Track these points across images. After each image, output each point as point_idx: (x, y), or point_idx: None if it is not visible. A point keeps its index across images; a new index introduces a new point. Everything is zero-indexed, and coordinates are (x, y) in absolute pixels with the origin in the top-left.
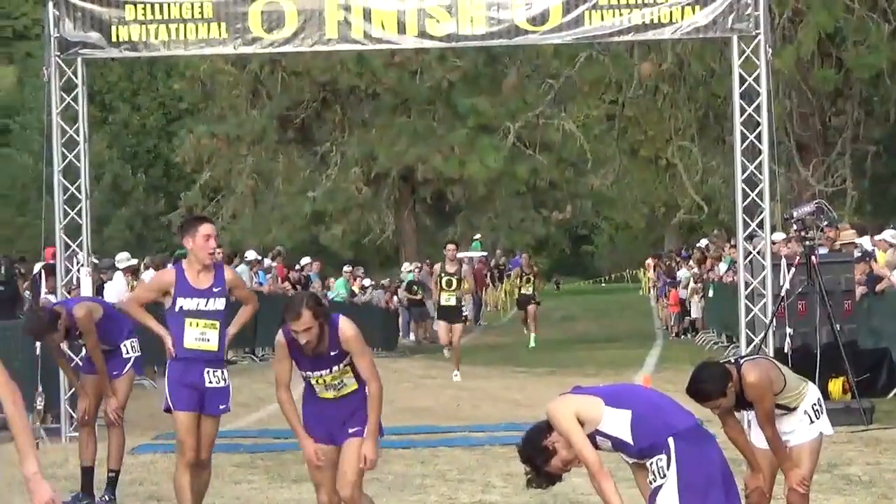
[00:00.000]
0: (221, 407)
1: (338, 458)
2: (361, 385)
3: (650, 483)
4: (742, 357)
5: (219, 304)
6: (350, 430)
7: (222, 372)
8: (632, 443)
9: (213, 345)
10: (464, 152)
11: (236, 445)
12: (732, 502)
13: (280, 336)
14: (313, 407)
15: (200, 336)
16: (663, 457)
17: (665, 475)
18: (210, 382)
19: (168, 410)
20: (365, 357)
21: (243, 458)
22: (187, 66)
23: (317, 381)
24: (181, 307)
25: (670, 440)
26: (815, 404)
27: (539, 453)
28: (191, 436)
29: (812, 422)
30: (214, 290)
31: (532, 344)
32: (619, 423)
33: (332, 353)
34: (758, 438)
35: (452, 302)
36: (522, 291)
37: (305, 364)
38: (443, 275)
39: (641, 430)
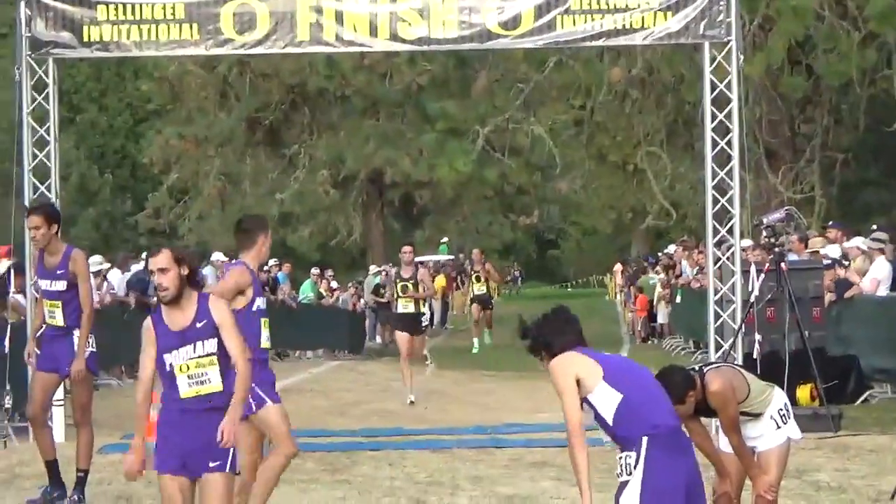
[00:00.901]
0: None
1: (191, 494)
2: (226, 395)
3: (617, 475)
4: (707, 365)
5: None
6: (211, 464)
7: None
8: (611, 424)
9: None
10: (433, 156)
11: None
12: None
13: (147, 320)
14: (171, 425)
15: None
16: (633, 454)
17: (631, 473)
18: None
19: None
20: (235, 332)
21: None
22: (156, 67)
23: (179, 370)
24: (258, 307)
25: (644, 439)
26: (781, 409)
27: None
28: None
29: (779, 427)
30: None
31: (487, 339)
32: (607, 401)
33: (199, 325)
34: (726, 444)
35: (411, 309)
36: (475, 292)
37: (168, 340)
38: (398, 280)
39: (624, 418)
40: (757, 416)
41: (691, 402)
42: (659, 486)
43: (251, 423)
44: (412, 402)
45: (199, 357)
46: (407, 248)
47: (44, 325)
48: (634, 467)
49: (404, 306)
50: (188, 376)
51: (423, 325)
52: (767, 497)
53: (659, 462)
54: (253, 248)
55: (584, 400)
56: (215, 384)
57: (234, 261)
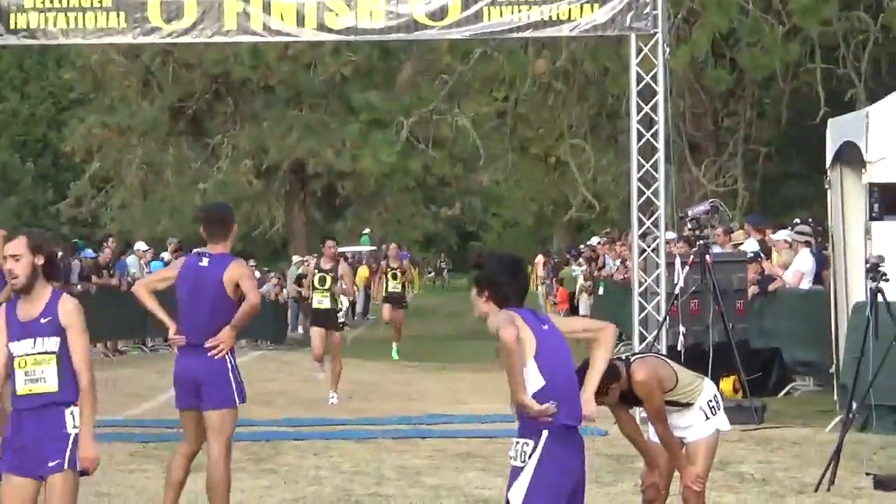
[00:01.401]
0: None
1: (32, 494)
2: (62, 396)
3: (510, 457)
4: (632, 355)
5: None
6: (50, 464)
7: None
8: (511, 402)
9: None
10: (356, 146)
11: (129, 434)
12: None
13: (3, 307)
14: (10, 422)
15: None
16: (531, 443)
17: (525, 462)
18: None
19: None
20: (82, 339)
21: (136, 447)
22: (78, 55)
23: (19, 364)
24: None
25: (545, 433)
26: (710, 400)
27: None
28: None
29: (708, 418)
30: None
31: (395, 356)
32: (530, 380)
33: (44, 321)
34: (655, 434)
35: (326, 304)
36: (389, 289)
37: (14, 330)
38: (316, 271)
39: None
40: (686, 405)
41: (615, 393)
42: (549, 479)
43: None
44: (333, 398)
45: (38, 353)
46: (330, 243)
47: None
48: (529, 456)
49: (319, 301)
50: (25, 372)
51: (340, 320)
52: (694, 488)
53: (554, 457)
54: (228, 237)
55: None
56: (50, 385)
57: (201, 251)
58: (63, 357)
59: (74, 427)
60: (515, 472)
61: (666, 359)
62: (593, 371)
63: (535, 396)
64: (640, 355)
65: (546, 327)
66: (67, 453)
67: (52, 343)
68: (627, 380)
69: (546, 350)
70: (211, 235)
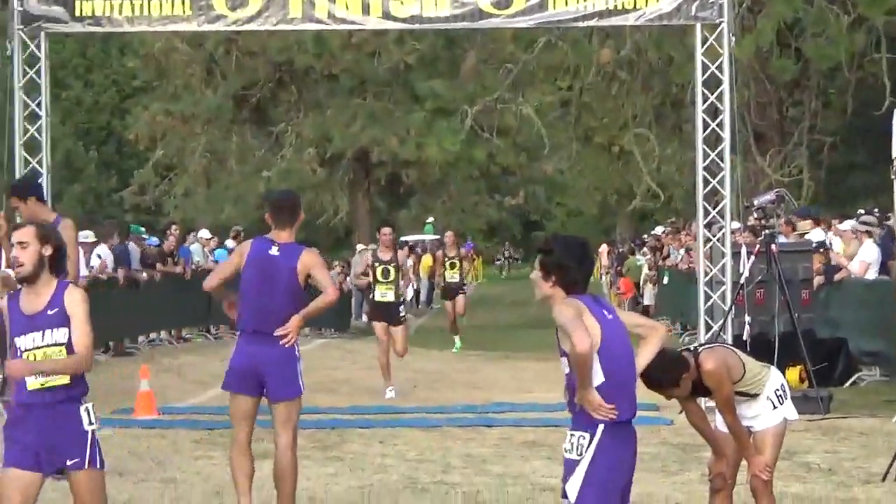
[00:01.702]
0: None
1: (35, 489)
2: (75, 390)
3: (565, 449)
4: (700, 345)
5: None
6: (69, 462)
7: None
8: (577, 399)
9: None
10: (421, 135)
11: (195, 421)
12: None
13: (3, 299)
14: (19, 419)
15: None
16: (587, 436)
17: (581, 455)
18: None
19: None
20: (86, 326)
21: (202, 434)
22: (142, 44)
23: (27, 357)
24: None
25: (601, 427)
26: (777, 389)
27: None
28: None
29: (775, 407)
30: None
31: (457, 346)
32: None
33: (50, 312)
34: (721, 421)
35: (390, 297)
36: (447, 279)
37: (18, 325)
38: (377, 264)
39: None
40: (753, 396)
41: (687, 383)
42: (605, 472)
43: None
44: (391, 391)
45: (47, 346)
46: (386, 230)
47: None
48: (586, 449)
49: (382, 294)
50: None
51: (402, 314)
52: (763, 477)
53: (610, 451)
54: (295, 224)
55: (568, 355)
56: (62, 377)
57: (269, 237)
58: (71, 348)
59: (91, 424)
60: (571, 465)
61: (733, 349)
62: (639, 357)
63: (596, 390)
64: (707, 345)
65: (610, 316)
66: (87, 451)
67: (62, 334)
68: (696, 370)
69: (609, 341)
70: (278, 222)
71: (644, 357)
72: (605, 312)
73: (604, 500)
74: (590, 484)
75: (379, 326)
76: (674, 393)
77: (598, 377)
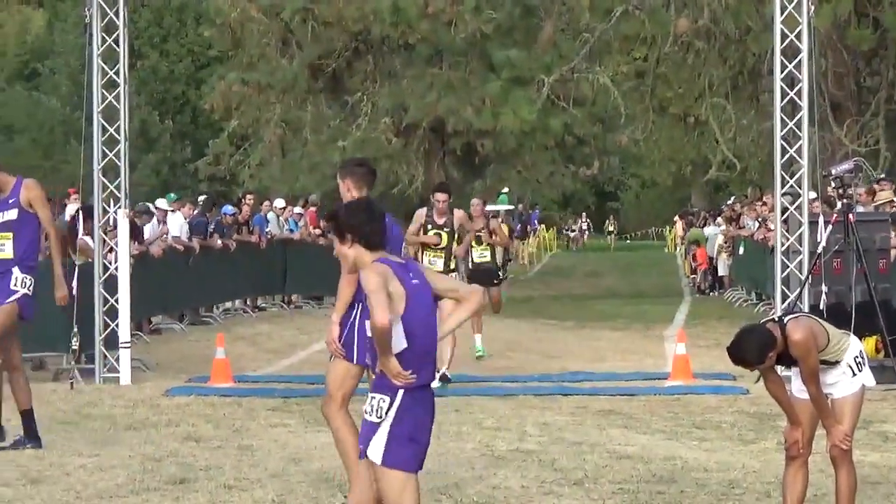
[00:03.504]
0: None
1: None
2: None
3: (365, 412)
4: (785, 315)
5: None
6: None
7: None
8: (378, 365)
9: None
10: (497, 105)
11: (270, 390)
12: (417, 465)
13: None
14: None
15: None
16: (387, 399)
17: (382, 417)
18: None
19: None
20: (46, 210)
21: (277, 402)
22: (217, 13)
23: None
24: None
25: (401, 391)
26: (857, 357)
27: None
28: None
29: (854, 374)
30: None
31: (479, 351)
32: (395, 341)
33: (10, 200)
34: (798, 389)
35: (438, 266)
36: (475, 260)
37: None
38: (430, 227)
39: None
40: (834, 363)
41: (771, 359)
42: (406, 435)
43: None
44: (447, 377)
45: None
46: (440, 195)
47: None
48: (386, 412)
49: (430, 262)
50: None
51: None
52: (842, 447)
53: (410, 414)
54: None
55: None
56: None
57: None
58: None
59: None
60: (372, 427)
61: (817, 318)
62: (446, 323)
63: (397, 357)
64: (792, 315)
65: (416, 281)
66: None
67: (15, 216)
68: (784, 340)
69: (413, 307)
70: (367, 184)
71: (452, 322)
72: (411, 276)
73: (407, 460)
74: (392, 446)
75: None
76: (759, 369)
77: (402, 343)
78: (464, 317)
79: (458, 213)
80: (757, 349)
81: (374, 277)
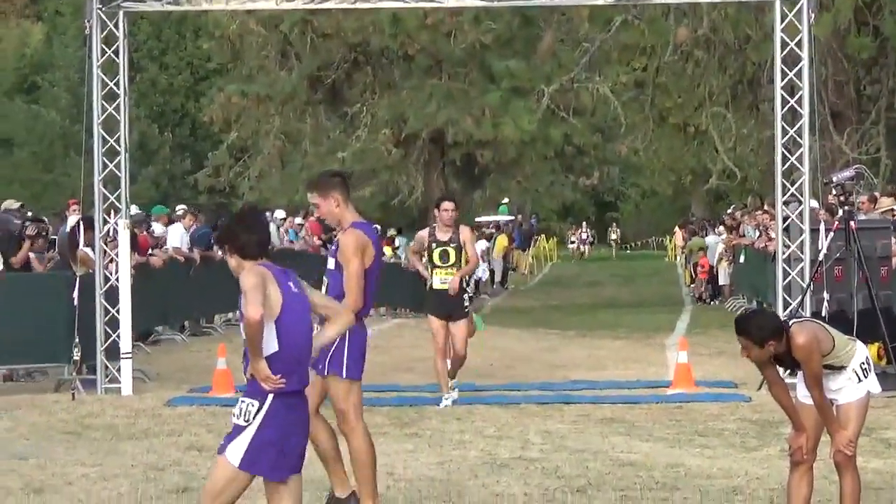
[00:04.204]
0: None
1: None
2: None
3: (232, 416)
4: (791, 319)
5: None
6: None
7: None
8: (249, 368)
9: None
10: (497, 115)
11: None
12: (280, 473)
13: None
14: None
15: None
16: (256, 403)
17: (249, 421)
18: None
19: None
20: None
21: None
22: (216, 25)
23: None
24: None
25: (270, 395)
26: (863, 363)
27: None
28: None
29: (860, 380)
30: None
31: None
32: (265, 343)
33: None
34: (804, 395)
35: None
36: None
37: None
38: (434, 245)
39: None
40: (839, 369)
41: (769, 349)
42: (270, 441)
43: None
44: (447, 399)
45: None
46: (447, 204)
47: None
48: (254, 416)
49: (442, 280)
50: None
51: (466, 306)
52: (847, 452)
53: (278, 420)
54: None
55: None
56: None
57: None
58: None
59: None
60: (237, 430)
61: (822, 323)
62: (321, 335)
63: (267, 360)
64: (798, 319)
65: (295, 290)
66: None
67: None
68: (787, 343)
69: (288, 313)
70: (348, 197)
71: (325, 336)
72: (291, 286)
73: (264, 467)
74: (254, 450)
75: (435, 322)
76: (752, 353)
77: (273, 346)
78: (332, 334)
79: (465, 230)
80: (760, 328)
81: (252, 277)
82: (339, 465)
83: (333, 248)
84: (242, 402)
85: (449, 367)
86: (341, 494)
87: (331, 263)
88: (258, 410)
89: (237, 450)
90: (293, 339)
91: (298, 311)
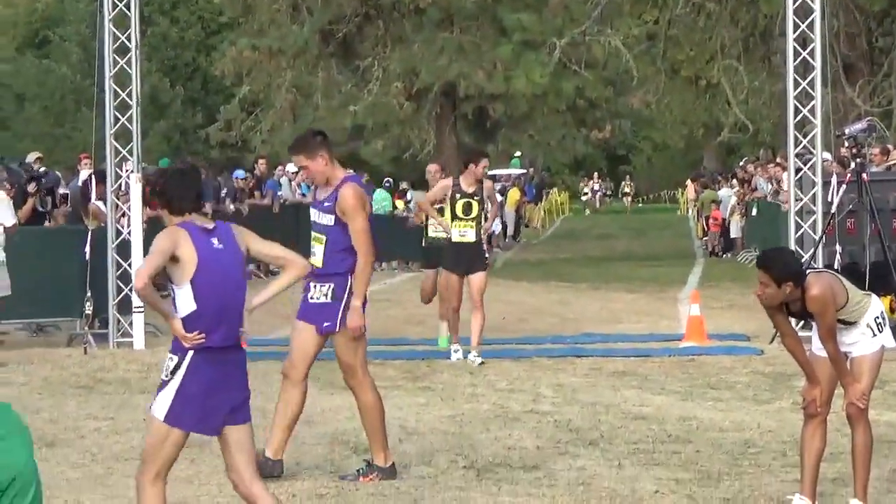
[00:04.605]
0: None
1: None
2: None
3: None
4: (807, 269)
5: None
6: None
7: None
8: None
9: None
10: (508, 68)
11: (283, 353)
12: (206, 428)
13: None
14: None
15: None
16: (175, 359)
17: (169, 377)
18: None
19: None
20: None
21: None
22: None
23: None
24: None
25: (191, 352)
26: (878, 317)
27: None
28: None
29: (875, 335)
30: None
31: (443, 341)
32: (181, 303)
33: None
34: (818, 347)
35: (470, 237)
36: (429, 234)
37: None
38: (459, 196)
39: (185, 327)
40: (853, 323)
41: (784, 292)
42: (192, 396)
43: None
44: (477, 359)
45: None
46: (485, 161)
47: None
48: (173, 372)
49: (461, 233)
50: None
51: (486, 258)
52: (859, 405)
53: (200, 375)
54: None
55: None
56: None
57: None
58: None
59: None
60: (162, 384)
61: (838, 275)
62: (269, 288)
63: (185, 320)
64: (815, 270)
65: (220, 246)
66: None
67: None
68: (802, 293)
69: (205, 271)
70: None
71: (273, 288)
72: (215, 242)
73: (188, 420)
74: (177, 406)
75: (453, 278)
76: (767, 291)
77: (191, 305)
78: (285, 283)
79: (487, 184)
80: (785, 264)
81: (161, 241)
82: (286, 434)
83: (325, 203)
84: (168, 358)
85: (471, 334)
86: (271, 456)
87: (327, 219)
88: (177, 366)
89: (162, 405)
90: (212, 297)
91: (219, 269)
